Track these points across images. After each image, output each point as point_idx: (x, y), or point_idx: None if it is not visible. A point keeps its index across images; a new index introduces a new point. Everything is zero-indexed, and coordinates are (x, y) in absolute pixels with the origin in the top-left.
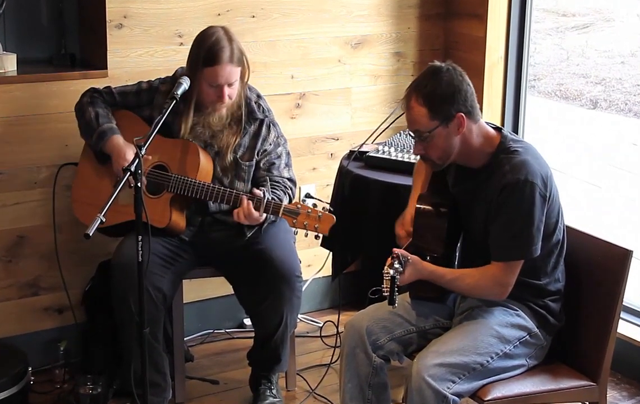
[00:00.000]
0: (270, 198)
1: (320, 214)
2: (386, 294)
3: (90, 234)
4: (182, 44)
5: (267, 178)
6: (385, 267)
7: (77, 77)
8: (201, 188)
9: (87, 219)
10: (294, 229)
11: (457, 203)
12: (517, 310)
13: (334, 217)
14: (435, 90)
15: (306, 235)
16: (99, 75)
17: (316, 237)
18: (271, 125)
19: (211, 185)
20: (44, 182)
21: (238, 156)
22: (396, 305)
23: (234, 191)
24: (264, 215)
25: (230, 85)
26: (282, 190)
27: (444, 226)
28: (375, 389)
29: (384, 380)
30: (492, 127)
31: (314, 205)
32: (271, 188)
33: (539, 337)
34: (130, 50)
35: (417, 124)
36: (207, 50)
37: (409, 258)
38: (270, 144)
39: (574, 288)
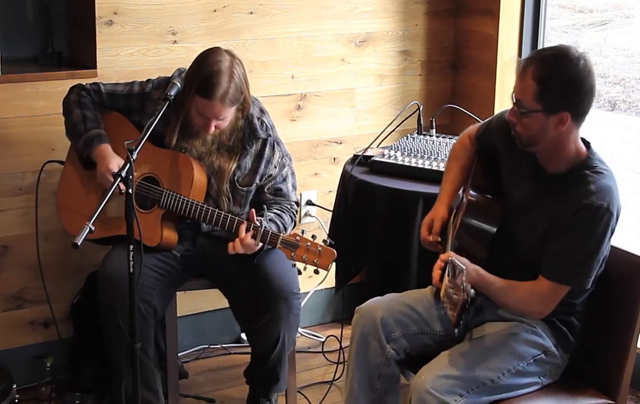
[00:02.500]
0: (267, 228)
1: (320, 249)
2: (450, 313)
3: (79, 243)
4: (176, 41)
5: (269, 204)
6: (447, 280)
7: (64, 77)
8: (195, 209)
9: (75, 228)
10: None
11: (510, 201)
12: (534, 327)
13: (335, 252)
14: (556, 76)
15: (305, 269)
16: (88, 75)
17: (316, 271)
18: (275, 144)
19: (205, 206)
20: (29, 188)
21: (236, 179)
22: (459, 331)
23: (229, 216)
24: (260, 244)
25: (219, 119)
26: (290, 215)
27: (492, 231)
28: (385, 380)
29: (396, 372)
30: (582, 141)
31: (314, 237)
32: (278, 211)
33: (555, 356)
34: (121, 48)
35: (522, 95)
36: (202, 79)
37: (464, 266)
38: (275, 167)
39: (592, 301)
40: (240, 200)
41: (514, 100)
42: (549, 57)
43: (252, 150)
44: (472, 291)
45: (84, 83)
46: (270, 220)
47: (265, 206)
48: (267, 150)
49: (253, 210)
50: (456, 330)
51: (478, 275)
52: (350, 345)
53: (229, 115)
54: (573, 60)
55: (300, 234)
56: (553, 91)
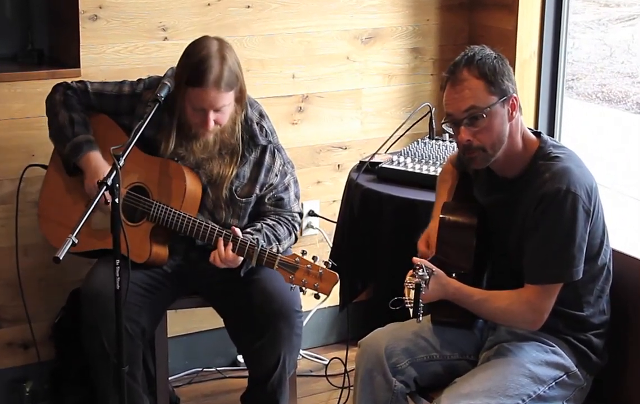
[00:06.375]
0: (264, 247)
1: (321, 271)
2: (409, 305)
3: (61, 257)
4: (166, 38)
5: (268, 215)
6: (407, 277)
7: (45, 77)
8: (187, 223)
9: (57, 240)
10: (291, 285)
11: (487, 214)
12: (553, 346)
13: (337, 275)
14: (490, 65)
15: (304, 293)
16: (71, 75)
17: (316, 296)
18: (276, 151)
19: (198, 220)
20: (7, 197)
21: (234, 188)
22: (421, 318)
23: (224, 231)
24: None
25: (217, 110)
26: (288, 228)
27: (472, 241)
28: None
29: None
30: (531, 132)
31: (314, 259)
32: (273, 222)
33: (578, 377)
34: (107, 45)
35: (472, 100)
36: (192, 67)
37: (433, 270)
38: (276, 175)
39: (620, 321)
40: (239, 212)
41: (462, 117)
42: (471, 56)
43: (251, 158)
44: (425, 275)
45: (70, 82)
46: (258, 230)
47: (267, 217)
48: (267, 158)
49: (235, 228)
50: (417, 320)
51: (454, 287)
52: (355, 383)
53: (227, 105)
54: (486, 50)
55: (301, 255)
56: (496, 76)
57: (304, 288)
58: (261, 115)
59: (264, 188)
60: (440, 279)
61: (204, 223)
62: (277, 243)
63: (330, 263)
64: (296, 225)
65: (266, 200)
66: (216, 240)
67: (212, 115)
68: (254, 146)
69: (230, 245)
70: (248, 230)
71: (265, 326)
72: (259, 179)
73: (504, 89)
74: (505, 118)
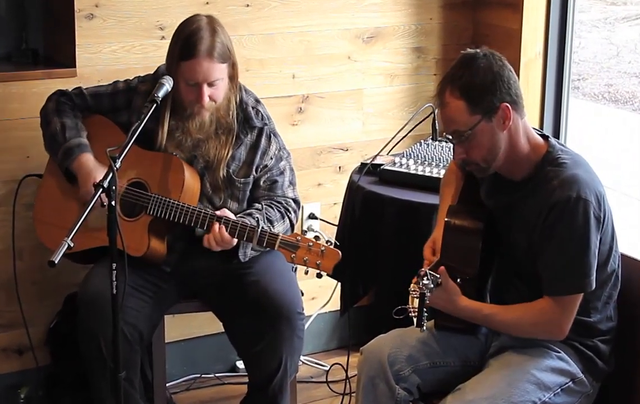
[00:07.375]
0: (264, 229)
1: (323, 249)
2: (413, 315)
3: (56, 261)
4: (163, 37)
5: (262, 199)
6: (412, 284)
7: (40, 77)
8: (185, 212)
9: (52, 243)
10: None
11: (493, 217)
12: (559, 352)
13: (339, 253)
14: (473, 79)
15: (306, 273)
16: (66, 75)
17: (318, 275)
18: (272, 135)
19: (197, 208)
20: (2, 199)
21: (232, 170)
22: (425, 328)
23: (223, 217)
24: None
25: (211, 84)
26: (280, 211)
27: (478, 245)
28: None
29: None
30: (538, 134)
31: (317, 238)
32: (266, 205)
33: (585, 384)
34: (103, 44)
35: (455, 123)
36: (184, 41)
37: (439, 280)
38: (272, 158)
39: (627, 326)
40: (238, 194)
41: (450, 137)
42: (455, 70)
43: (246, 140)
44: (430, 284)
45: (64, 89)
46: (249, 214)
47: (260, 202)
48: (263, 141)
49: (225, 209)
50: (420, 329)
51: (462, 305)
52: (357, 391)
53: (220, 79)
54: (478, 56)
55: (302, 234)
56: (481, 91)
57: (306, 266)
58: (257, 101)
59: (259, 170)
60: (449, 295)
61: (203, 210)
62: (270, 225)
63: (333, 242)
64: (290, 210)
65: (261, 184)
66: (210, 224)
67: (206, 90)
68: (249, 128)
69: (224, 227)
70: (240, 215)
71: (265, 329)
72: (254, 161)
73: (488, 106)
74: (495, 130)
